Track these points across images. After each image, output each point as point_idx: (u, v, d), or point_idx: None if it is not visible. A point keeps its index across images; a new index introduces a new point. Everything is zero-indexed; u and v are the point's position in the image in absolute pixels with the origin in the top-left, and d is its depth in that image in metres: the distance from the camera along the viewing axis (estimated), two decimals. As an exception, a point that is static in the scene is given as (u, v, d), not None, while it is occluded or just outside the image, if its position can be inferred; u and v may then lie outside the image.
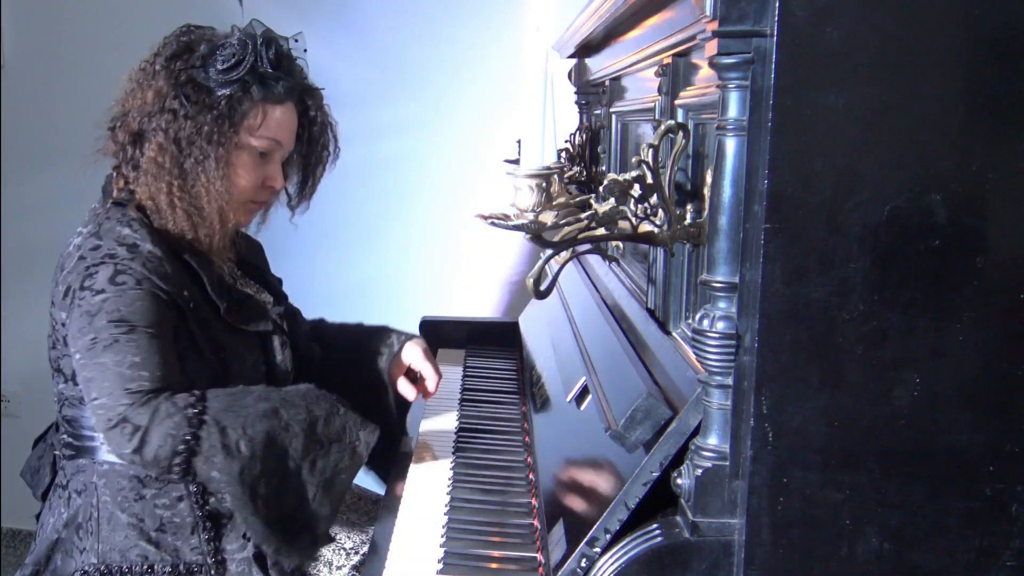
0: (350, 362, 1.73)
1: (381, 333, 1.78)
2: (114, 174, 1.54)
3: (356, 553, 1.60)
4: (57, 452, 1.55)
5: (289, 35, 1.53)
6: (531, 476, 1.48)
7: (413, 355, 1.73)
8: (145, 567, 1.43)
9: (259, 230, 1.71)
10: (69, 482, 1.51)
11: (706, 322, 0.97)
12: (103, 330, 1.37)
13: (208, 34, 1.51)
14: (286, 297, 1.75)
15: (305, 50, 1.55)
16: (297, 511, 1.38)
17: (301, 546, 1.39)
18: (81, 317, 1.38)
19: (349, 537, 1.64)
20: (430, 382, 1.72)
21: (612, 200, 1.10)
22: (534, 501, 1.39)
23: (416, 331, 2.26)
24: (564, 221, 1.12)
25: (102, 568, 1.44)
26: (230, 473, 1.34)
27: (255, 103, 1.47)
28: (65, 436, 1.51)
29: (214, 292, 1.48)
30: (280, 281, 1.78)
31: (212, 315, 1.48)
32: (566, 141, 2.09)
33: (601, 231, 1.12)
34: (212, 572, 1.44)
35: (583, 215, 1.11)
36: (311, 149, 1.62)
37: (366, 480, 1.79)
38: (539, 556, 1.23)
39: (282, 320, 1.65)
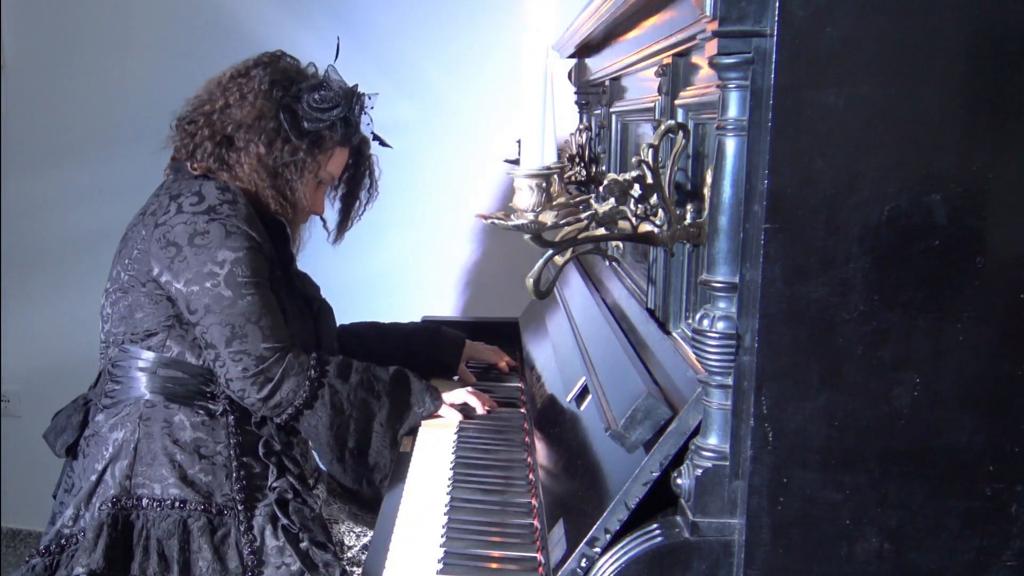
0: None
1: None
2: (188, 164, 1.68)
3: (365, 535, 1.72)
4: (95, 405, 1.66)
5: (370, 92, 1.78)
6: (531, 476, 1.48)
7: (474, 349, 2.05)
8: (178, 502, 1.55)
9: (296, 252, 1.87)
10: (108, 427, 1.61)
11: (706, 322, 0.97)
12: (234, 287, 1.54)
13: (295, 65, 1.73)
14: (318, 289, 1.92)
15: (373, 107, 1.79)
16: (372, 456, 1.66)
17: (366, 478, 1.69)
18: (206, 268, 1.54)
19: (356, 524, 1.76)
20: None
21: (612, 200, 1.10)
22: (534, 501, 1.39)
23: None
24: (564, 221, 1.12)
25: (134, 499, 1.54)
26: (328, 426, 1.60)
27: (333, 143, 1.72)
28: (108, 384, 1.63)
29: (293, 246, 1.70)
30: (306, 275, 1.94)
31: (283, 277, 1.67)
32: (566, 141, 2.08)
33: (601, 231, 1.12)
34: (240, 517, 1.57)
35: (583, 215, 1.11)
36: (354, 189, 1.88)
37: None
38: (539, 556, 1.23)
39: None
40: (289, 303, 1.67)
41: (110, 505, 1.52)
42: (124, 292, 1.62)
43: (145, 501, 1.54)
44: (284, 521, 1.56)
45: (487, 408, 1.76)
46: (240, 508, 1.57)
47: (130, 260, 1.61)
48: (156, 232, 1.58)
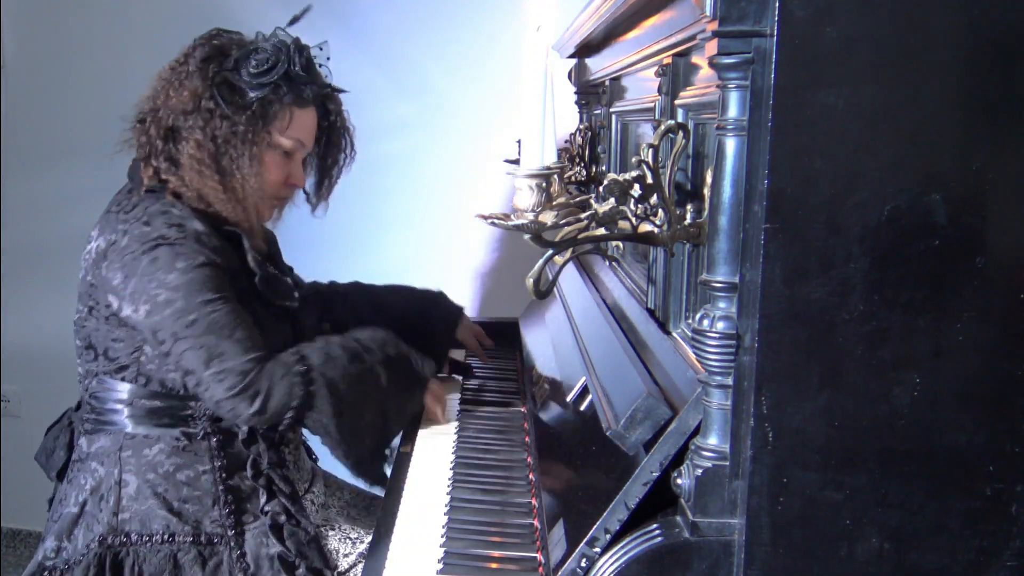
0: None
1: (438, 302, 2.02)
2: (141, 165, 1.60)
3: (361, 542, 1.66)
4: (78, 429, 1.61)
5: (314, 44, 1.62)
6: (531, 476, 1.48)
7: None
8: (166, 536, 1.50)
9: (274, 227, 1.79)
10: (89, 455, 1.56)
11: (706, 322, 0.97)
12: (195, 309, 1.45)
13: (237, 38, 1.59)
14: (302, 284, 1.86)
15: (328, 58, 1.64)
16: (381, 433, 1.60)
17: (379, 464, 1.62)
18: (161, 297, 1.46)
19: (353, 528, 1.71)
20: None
21: (612, 200, 1.10)
22: (534, 501, 1.39)
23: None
24: (564, 221, 1.12)
25: (122, 536, 1.50)
26: (333, 415, 1.52)
27: (284, 106, 1.57)
28: (88, 413, 1.58)
29: (254, 261, 1.57)
30: (291, 269, 1.85)
31: (250, 288, 1.57)
32: (566, 141, 2.08)
33: (601, 231, 1.12)
34: (232, 544, 1.52)
35: (583, 215, 1.11)
36: (329, 151, 1.72)
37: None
38: (539, 556, 1.23)
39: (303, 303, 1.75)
40: (262, 310, 1.59)
41: (97, 544, 1.49)
42: (91, 328, 1.56)
43: (134, 536, 1.50)
44: (279, 548, 1.51)
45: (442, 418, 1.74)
46: (231, 534, 1.52)
47: (89, 294, 1.55)
48: (106, 264, 1.51)
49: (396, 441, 1.67)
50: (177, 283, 1.46)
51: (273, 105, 1.55)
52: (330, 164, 1.73)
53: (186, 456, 1.54)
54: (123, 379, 1.54)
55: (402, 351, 1.67)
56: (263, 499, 1.55)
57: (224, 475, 1.54)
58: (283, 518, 1.54)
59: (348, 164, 1.75)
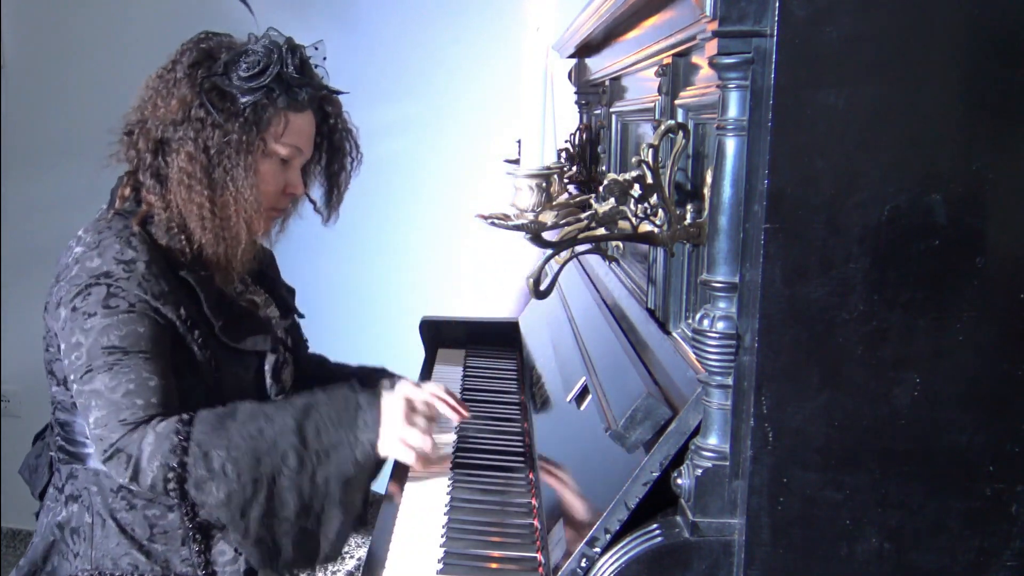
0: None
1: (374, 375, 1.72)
2: (124, 178, 1.53)
3: (352, 557, 1.62)
4: (52, 453, 1.56)
5: (308, 43, 1.53)
6: (531, 476, 1.48)
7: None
8: (136, 575, 1.44)
9: (278, 239, 1.69)
10: (64, 485, 1.51)
11: (706, 322, 0.97)
12: (97, 357, 1.36)
13: (227, 41, 1.51)
14: (296, 311, 1.73)
15: (324, 58, 1.54)
16: (306, 526, 1.37)
17: (300, 561, 1.39)
18: (74, 338, 1.38)
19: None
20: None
21: (612, 200, 1.10)
22: (534, 501, 1.39)
23: (416, 331, 2.26)
24: (564, 221, 1.12)
25: (95, 574, 1.45)
26: (218, 497, 1.34)
27: (279, 110, 1.47)
28: (59, 439, 1.51)
29: (210, 310, 1.45)
30: (293, 292, 1.76)
31: (208, 332, 1.46)
32: (566, 141, 2.09)
33: (601, 231, 1.12)
34: None
35: (583, 215, 1.11)
36: (333, 156, 1.62)
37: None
38: (539, 556, 1.23)
39: (286, 335, 1.64)
40: (226, 355, 1.47)
41: None
42: (53, 353, 1.48)
43: (106, 575, 1.45)
44: None
45: (458, 416, 1.48)
46: (201, 574, 1.45)
47: (44, 316, 1.48)
48: (55, 288, 1.44)
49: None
50: (91, 325, 1.36)
51: (267, 110, 1.45)
52: (336, 170, 1.63)
53: (153, 494, 1.44)
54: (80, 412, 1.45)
55: (325, 420, 1.38)
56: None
57: (191, 512, 1.45)
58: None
59: (356, 168, 1.64)
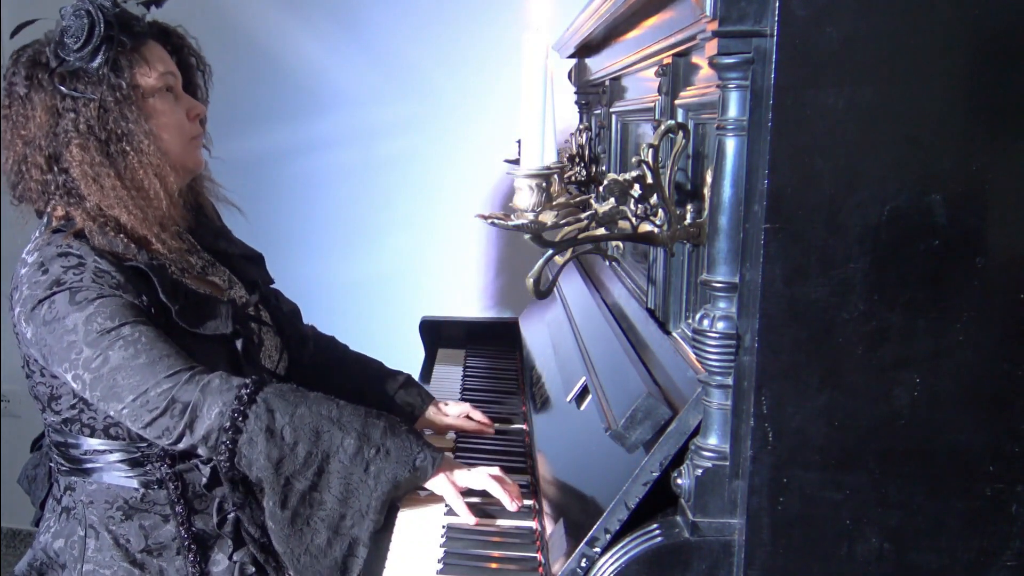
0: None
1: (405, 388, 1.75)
2: (50, 207, 1.50)
3: None
4: (52, 464, 1.55)
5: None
6: (531, 476, 1.48)
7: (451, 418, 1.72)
8: None
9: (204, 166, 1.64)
10: (62, 497, 1.51)
11: (706, 322, 0.97)
12: (97, 342, 1.34)
13: (41, 39, 1.48)
14: (262, 281, 1.68)
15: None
16: (339, 520, 1.34)
17: (329, 564, 1.33)
18: (64, 342, 1.36)
19: None
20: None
21: (612, 200, 1.10)
22: (534, 501, 1.39)
23: (416, 331, 2.26)
24: (564, 221, 1.12)
25: None
26: (270, 457, 1.32)
27: (128, 51, 1.44)
28: (57, 453, 1.50)
29: (166, 295, 1.43)
30: (260, 259, 1.72)
31: (169, 318, 1.44)
32: (566, 141, 2.08)
33: (601, 231, 1.12)
34: None
35: (583, 215, 1.11)
36: (186, 74, 1.59)
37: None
38: (539, 556, 1.23)
39: (258, 311, 1.60)
40: (188, 342, 1.42)
41: None
42: (35, 379, 1.47)
43: None
44: None
45: (516, 502, 1.38)
46: None
47: (22, 344, 1.45)
48: (14, 315, 1.42)
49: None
50: (73, 323, 1.35)
51: (120, 58, 1.42)
52: (191, 89, 1.59)
53: (146, 503, 1.45)
54: (71, 432, 1.46)
55: (396, 426, 1.40)
56: (229, 549, 1.44)
57: (187, 522, 1.44)
58: (252, 570, 1.45)
59: (209, 80, 1.62)
